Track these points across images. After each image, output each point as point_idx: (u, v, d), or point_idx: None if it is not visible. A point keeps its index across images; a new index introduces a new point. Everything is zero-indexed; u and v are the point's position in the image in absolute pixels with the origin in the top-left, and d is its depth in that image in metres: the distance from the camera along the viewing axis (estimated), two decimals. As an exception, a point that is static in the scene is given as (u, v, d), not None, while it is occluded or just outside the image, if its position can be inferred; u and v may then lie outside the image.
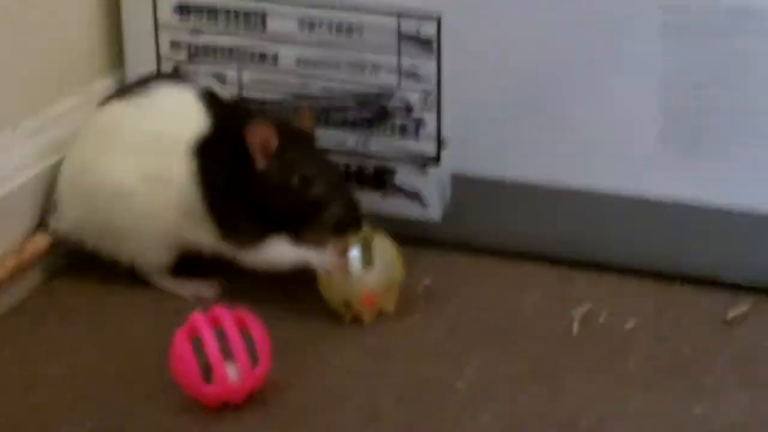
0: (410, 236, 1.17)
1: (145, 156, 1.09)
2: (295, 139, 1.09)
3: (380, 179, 1.19)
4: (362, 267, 1.08)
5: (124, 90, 1.14)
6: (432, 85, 1.15)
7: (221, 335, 0.98)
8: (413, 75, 1.15)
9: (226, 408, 0.99)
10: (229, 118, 1.10)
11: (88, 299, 1.13)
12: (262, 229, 1.08)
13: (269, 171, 1.07)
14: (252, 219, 1.08)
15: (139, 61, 1.21)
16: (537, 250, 1.17)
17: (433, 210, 1.18)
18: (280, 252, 1.08)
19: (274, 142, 1.07)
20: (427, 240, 1.19)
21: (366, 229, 1.09)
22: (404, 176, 1.18)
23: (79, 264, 1.15)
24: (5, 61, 1.13)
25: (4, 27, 1.12)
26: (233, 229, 1.09)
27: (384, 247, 1.09)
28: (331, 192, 1.08)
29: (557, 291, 1.14)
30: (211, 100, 1.10)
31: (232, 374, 0.98)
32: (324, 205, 1.07)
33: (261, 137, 1.06)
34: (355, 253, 1.08)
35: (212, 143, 1.09)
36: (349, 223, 1.08)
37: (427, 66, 1.14)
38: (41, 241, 1.13)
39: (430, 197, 1.18)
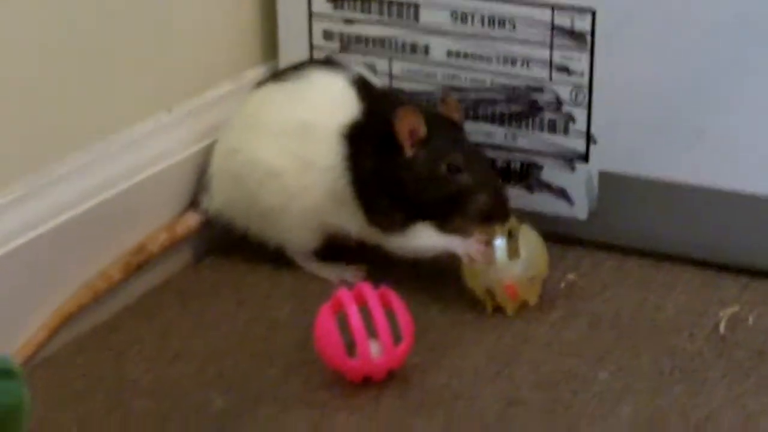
0: (556, 233, 1.16)
1: (295, 139, 1.10)
2: (443, 128, 1.09)
3: (527, 174, 1.18)
4: (507, 257, 1.07)
5: (278, 74, 1.16)
6: (584, 81, 1.14)
7: (365, 313, 0.99)
8: (565, 69, 1.14)
9: (366, 384, 0.99)
10: (379, 106, 1.10)
11: (234, 278, 1.15)
12: (408, 216, 1.09)
13: (417, 158, 1.08)
14: (398, 205, 1.09)
15: (293, 50, 1.23)
16: (683, 252, 1.15)
17: (580, 207, 1.17)
18: (425, 239, 1.09)
19: (421, 130, 1.07)
20: (572, 237, 1.18)
21: (512, 219, 1.09)
22: (551, 172, 1.17)
23: (228, 244, 1.17)
24: (163, 47, 1.16)
25: (164, 15, 1.15)
26: (379, 214, 1.10)
27: (529, 239, 1.09)
28: (479, 181, 1.07)
29: (703, 293, 1.12)
30: (362, 87, 1.12)
31: (375, 351, 0.98)
32: (471, 193, 1.07)
33: (409, 124, 1.07)
34: (500, 242, 1.07)
35: (362, 130, 1.10)
36: (495, 213, 1.07)
37: (580, 60, 1.14)
38: (193, 220, 1.15)
39: (576, 194, 1.17)
